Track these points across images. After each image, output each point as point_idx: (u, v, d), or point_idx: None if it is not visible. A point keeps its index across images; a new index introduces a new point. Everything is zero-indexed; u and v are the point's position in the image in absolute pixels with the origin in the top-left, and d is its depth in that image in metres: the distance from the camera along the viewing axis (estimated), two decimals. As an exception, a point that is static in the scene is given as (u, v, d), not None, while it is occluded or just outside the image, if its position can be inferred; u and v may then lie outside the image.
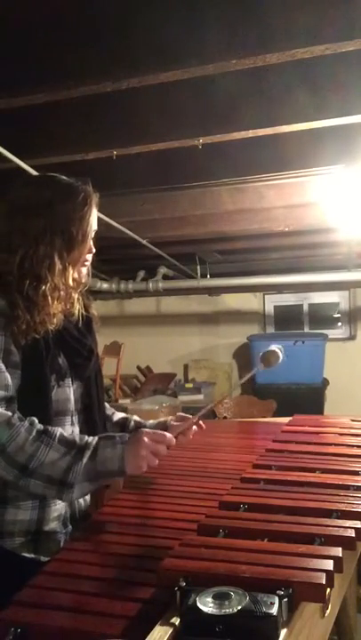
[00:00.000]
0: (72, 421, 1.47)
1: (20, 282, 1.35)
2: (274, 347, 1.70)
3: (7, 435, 1.27)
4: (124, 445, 1.34)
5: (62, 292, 1.41)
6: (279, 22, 1.70)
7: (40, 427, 1.31)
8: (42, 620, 0.98)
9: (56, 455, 1.29)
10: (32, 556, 1.37)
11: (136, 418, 1.69)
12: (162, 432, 1.42)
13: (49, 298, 1.37)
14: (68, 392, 1.46)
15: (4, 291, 1.35)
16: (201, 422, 1.60)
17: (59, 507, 1.41)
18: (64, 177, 1.49)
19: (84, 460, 1.30)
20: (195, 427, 1.58)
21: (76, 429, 1.48)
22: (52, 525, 1.40)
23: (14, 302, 1.34)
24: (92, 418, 1.52)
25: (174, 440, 1.43)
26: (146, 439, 1.36)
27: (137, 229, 3.94)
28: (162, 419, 1.67)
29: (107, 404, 1.66)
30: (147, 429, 1.42)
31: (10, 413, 1.29)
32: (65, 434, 1.34)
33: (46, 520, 1.39)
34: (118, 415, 1.69)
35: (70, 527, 1.45)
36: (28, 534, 1.37)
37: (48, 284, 1.37)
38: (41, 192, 1.45)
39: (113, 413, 1.69)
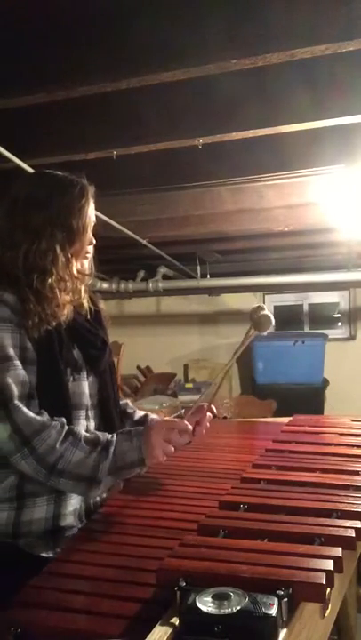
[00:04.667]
0: (87, 415, 1.48)
1: (27, 276, 1.39)
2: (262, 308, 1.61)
3: (39, 436, 1.30)
4: (140, 437, 1.39)
5: (68, 284, 1.45)
6: (279, 22, 1.70)
7: (67, 428, 1.35)
8: (42, 620, 0.98)
9: (83, 454, 1.33)
10: (50, 555, 1.36)
11: (154, 416, 1.70)
12: (173, 419, 1.44)
13: (56, 289, 1.41)
14: (84, 386, 1.48)
15: (14, 287, 1.39)
16: (213, 407, 1.62)
17: (74, 501, 1.42)
18: (58, 172, 1.52)
19: (110, 455, 1.35)
20: (209, 413, 1.60)
21: (92, 424, 1.49)
22: (69, 520, 1.41)
23: (25, 297, 1.38)
24: (108, 412, 1.54)
25: (189, 426, 1.46)
26: (157, 427, 1.42)
27: (137, 229, 3.93)
28: (176, 414, 1.69)
29: (129, 402, 1.71)
30: (158, 419, 1.46)
31: (38, 414, 1.33)
32: (87, 433, 1.38)
33: (63, 515, 1.40)
34: (139, 414, 1.71)
35: (85, 522, 1.45)
36: (46, 533, 1.37)
37: (54, 277, 1.41)
38: (38, 187, 1.49)
39: (134, 412, 1.71)
